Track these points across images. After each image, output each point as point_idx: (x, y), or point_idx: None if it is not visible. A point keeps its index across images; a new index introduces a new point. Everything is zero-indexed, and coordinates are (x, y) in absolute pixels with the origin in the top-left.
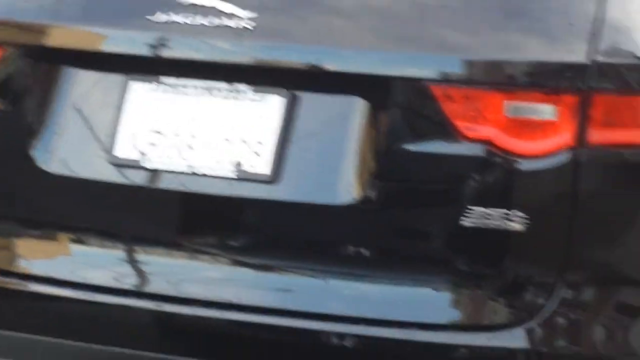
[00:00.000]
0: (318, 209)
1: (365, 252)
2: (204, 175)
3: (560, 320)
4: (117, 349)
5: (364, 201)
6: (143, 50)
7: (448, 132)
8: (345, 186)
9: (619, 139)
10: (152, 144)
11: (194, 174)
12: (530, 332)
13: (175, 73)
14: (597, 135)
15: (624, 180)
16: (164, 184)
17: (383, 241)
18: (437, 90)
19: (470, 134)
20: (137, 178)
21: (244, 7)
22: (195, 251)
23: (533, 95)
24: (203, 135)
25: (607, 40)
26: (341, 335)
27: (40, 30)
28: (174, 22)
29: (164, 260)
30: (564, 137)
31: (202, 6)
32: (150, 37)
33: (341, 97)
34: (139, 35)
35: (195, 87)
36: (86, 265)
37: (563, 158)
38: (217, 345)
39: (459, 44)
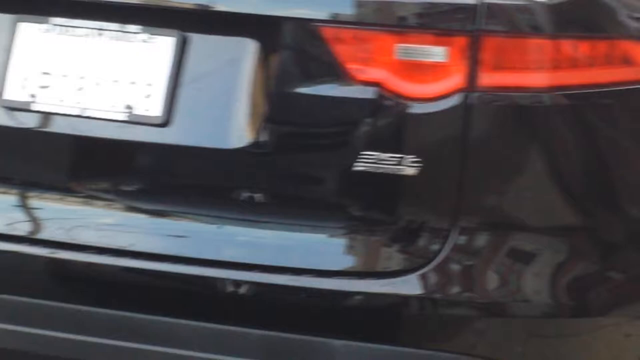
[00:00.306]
0: (211, 153)
1: (258, 197)
2: (95, 118)
3: (454, 266)
4: (9, 297)
5: (257, 145)
6: None
7: (339, 74)
8: (238, 130)
9: (509, 82)
10: (43, 87)
11: (85, 117)
12: (424, 279)
13: (65, 14)
14: (487, 78)
15: (514, 123)
16: (55, 127)
17: (276, 186)
18: (328, 32)
19: (360, 76)
20: (28, 121)
21: None
22: (88, 197)
23: (423, 37)
24: (94, 77)
25: None
26: (236, 282)
27: None
28: None
29: (56, 206)
30: (455, 79)
31: None
32: None
33: (232, 39)
34: None
35: (86, 28)
36: None
37: (454, 101)
38: (112, 292)
39: None
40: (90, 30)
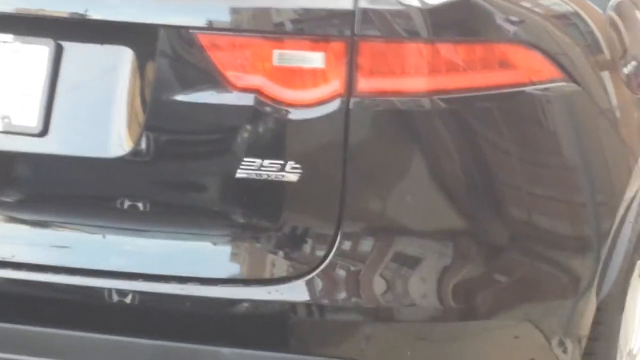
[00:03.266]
0: (90, 163)
1: (141, 206)
2: None
3: (341, 272)
4: None
5: (136, 154)
6: None
7: (217, 81)
8: (116, 139)
9: (387, 87)
10: None
11: None
12: (310, 285)
13: None
14: (366, 83)
15: (394, 128)
16: None
17: (158, 195)
18: (204, 39)
19: (238, 83)
20: None
21: None
22: None
23: (300, 42)
24: None
25: None
26: (120, 292)
27: None
28: None
29: None
30: (333, 85)
31: None
32: None
33: (108, 47)
34: None
35: None
36: None
37: (333, 107)
38: None
39: None
40: None
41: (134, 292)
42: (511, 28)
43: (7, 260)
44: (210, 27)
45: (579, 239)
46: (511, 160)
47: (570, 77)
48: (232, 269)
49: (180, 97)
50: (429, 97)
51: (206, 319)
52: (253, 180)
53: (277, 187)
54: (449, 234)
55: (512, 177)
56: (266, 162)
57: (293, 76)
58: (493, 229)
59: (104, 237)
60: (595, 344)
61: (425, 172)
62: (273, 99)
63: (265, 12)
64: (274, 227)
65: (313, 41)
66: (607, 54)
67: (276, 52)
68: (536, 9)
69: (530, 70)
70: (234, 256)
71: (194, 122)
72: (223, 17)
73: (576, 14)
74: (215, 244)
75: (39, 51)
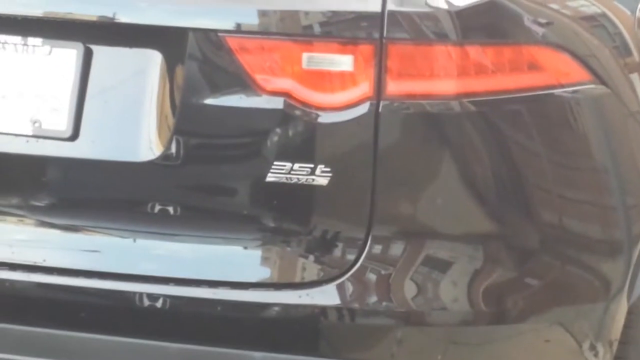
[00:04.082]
0: (120, 167)
1: (171, 210)
2: (2, 133)
3: (372, 276)
4: None
5: (166, 158)
6: None
7: (246, 84)
8: (146, 143)
9: (416, 90)
10: None
11: None
12: (341, 289)
13: None
14: (395, 86)
15: (424, 131)
16: None
17: (188, 199)
18: (233, 42)
19: (268, 86)
20: None
21: None
22: None
23: (329, 45)
24: None
25: None
26: (151, 296)
27: None
28: None
29: None
30: (362, 88)
31: None
32: None
33: (138, 51)
34: None
35: None
36: None
37: (362, 110)
38: (25, 308)
39: None
40: None
41: (165, 297)
42: (539, 30)
43: (38, 264)
44: (239, 30)
45: (609, 242)
46: (541, 163)
47: (599, 79)
48: (263, 273)
49: (209, 101)
50: (458, 100)
51: (237, 323)
52: (283, 184)
53: (307, 191)
54: (480, 237)
55: (542, 180)
56: (296, 165)
57: (322, 79)
58: (524, 232)
59: (134, 241)
60: (626, 347)
61: (455, 175)
62: (302, 102)
63: (294, 15)
64: (305, 231)
65: (342, 44)
66: (636, 55)
67: (305, 55)
68: (564, 11)
69: (559, 73)
70: (264, 260)
71: (224, 125)
72: (252, 20)
73: (604, 16)
74: (246, 248)
75: (69, 55)
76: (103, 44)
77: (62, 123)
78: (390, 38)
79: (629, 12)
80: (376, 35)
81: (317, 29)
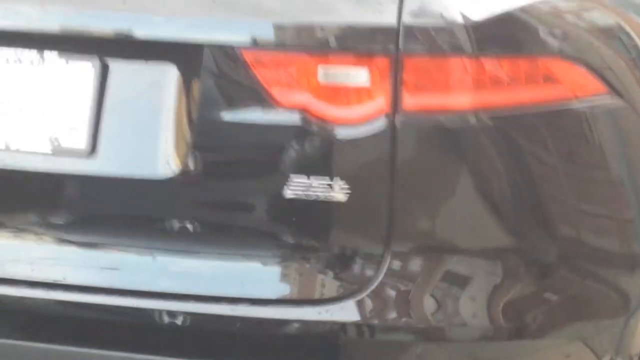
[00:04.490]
0: (138, 183)
1: (190, 226)
2: (18, 150)
3: (391, 291)
4: None
5: (184, 173)
6: None
7: (262, 99)
8: (164, 158)
9: (433, 103)
10: None
11: (8, 149)
12: (360, 305)
13: None
14: (411, 100)
15: (441, 145)
16: None
17: (207, 215)
18: (249, 56)
19: (284, 100)
20: None
21: None
22: (17, 230)
23: (345, 59)
24: (14, 107)
25: (415, 2)
26: (171, 313)
27: None
28: None
29: None
30: (378, 102)
31: None
32: None
33: (154, 65)
34: None
35: (3, 57)
36: None
37: (379, 124)
38: (45, 326)
39: (269, 8)
40: (7, 59)
41: (185, 313)
42: (555, 42)
43: (58, 282)
44: (255, 45)
45: (628, 256)
46: (558, 176)
47: (615, 91)
48: (282, 290)
49: (226, 115)
50: (475, 113)
51: (256, 339)
52: (301, 199)
53: (325, 207)
54: (498, 252)
55: (559, 193)
56: (314, 181)
57: (338, 93)
58: (542, 246)
59: (153, 258)
60: None
61: (473, 189)
62: (319, 117)
63: (309, 28)
64: (324, 247)
65: (358, 57)
66: None
67: (321, 69)
68: (580, 23)
69: (575, 85)
70: (283, 276)
71: (241, 140)
72: (268, 34)
73: (620, 28)
74: (265, 264)
75: (85, 70)
76: (119, 59)
77: (80, 140)
78: (406, 51)
79: None
80: (392, 48)
81: (333, 43)
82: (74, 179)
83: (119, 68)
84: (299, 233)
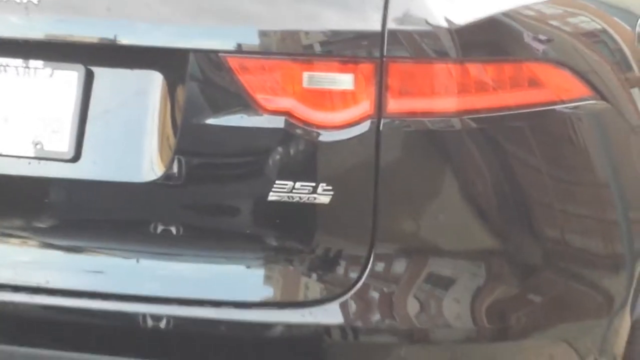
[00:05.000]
0: (122, 187)
1: (174, 230)
2: (3, 155)
3: (375, 294)
4: None
5: (168, 178)
6: None
7: (247, 104)
8: (148, 163)
9: (417, 108)
10: None
11: None
12: (344, 307)
13: None
14: (396, 104)
15: (425, 149)
16: None
17: (191, 219)
18: (234, 62)
19: (269, 106)
20: None
21: None
22: (1, 235)
23: (330, 64)
24: (0, 113)
25: (399, 7)
26: (155, 316)
27: None
28: None
29: None
30: (363, 106)
31: None
32: None
33: (138, 72)
34: None
35: None
36: None
37: (363, 128)
38: (28, 330)
39: (253, 14)
40: None
41: (169, 317)
42: (540, 47)
43: (41, 286)
44: (240, 51)
45: (612, 257)
46: (543, 179)
47: (600, 94)
48: (266, 292)
49: (210, 121)
50: (459, 117)
51: (241, 342)
52: (285, 202)
53: (309, 210)
54: (482, 253)
55: (544, 195)
56: (298, 184)
57: (323, 98)
58: (526, 248)
59: (137, 261)
60: None
61: (457, 192)
62: (303, 121)
63: (294, 34)
64: (307, 249)
65: (342, 63)
66: (636, 70)
67: (306, 74)
68: (564, 27)
69: (559, 89)
70: (267, 279)
71: (225, 145)
72: (252, 40)
73: (605, 32)
74: (248, 267)
75: (70, 77)
76: (104, 66)
77: (64, 144)
78: (391, 56)
79: (629, 28)
80: (376, 53)
81: (317, 48)
82: (58, 183)
83: (104, 75)
84: (283, 236)
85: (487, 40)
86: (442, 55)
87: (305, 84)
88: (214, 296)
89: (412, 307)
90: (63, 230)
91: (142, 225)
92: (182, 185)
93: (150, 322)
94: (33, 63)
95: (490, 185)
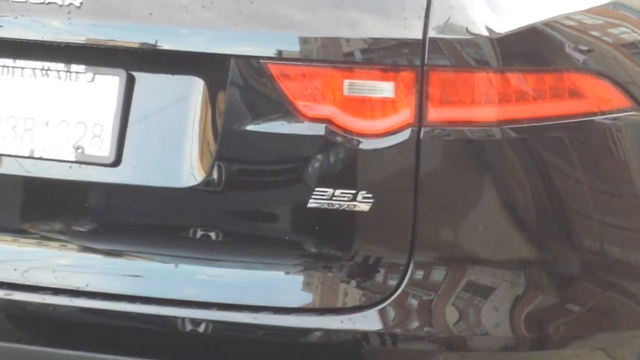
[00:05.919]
0: (162, 193)
1: (213, 235)
2: (45, 159)
3: (413, 301)
4: None
5: (208, 184)
6: None
7: (287, 111)
8: (188, 169)
9: (457, 116)
10: None
11: (34, 157)
12: (383, 314)
13: (9, 54)
14: (436, 113)
15: (465, 157)
16: (5, 168)
17: (230, 225)
18: (275, 69)
19: (309, 113)
20: None
21: None
22: (42, 238)
23: (370, 72)
24: (41, 118)
25: (440, 16)
26: (194, 321)
27: None
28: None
29: (11, 247)
30: (403, 115)
31: None
32: None
33: (179, 77)
34: None
35: (30, 68)
36: None
37: (403, 136)
38: (69, 332)
39: (295, 21)
40: (35, 70)
41: (207, 321)
42: (580, 57)
43: (81, 289)
44: (281, 57)
45: None
46: (582, 190)
47: None
48: (305, 298)
49: (251, 127)
50: (499, 127)
51: (279, 348)
52: (325, 210)
53: (348, 217)
54: (521, 263)
55: (583, 206)
56: (338, 192)
57: (363, 106)
58: (565, 258)
59: (176, 266)
60: None
61: (496, 201)
62: (344, 129)
63: (335, 41)
64: (346, 256)
65: (383, 71)
66: None
67: (346, 82)
68: (605, 38)
69: (599, 100)
70: (306, 285)
71: (265, 151)
72: (293, 47)
73: None
74: (287, 273)
75: (111, 82)
76: (145, 71)
77: (104, 149)
78: (432, 65)
79: None
80: (417, 62)
81: (358, 56)
82: (98, 187)
83: (145, 80)
84: (322, 242)
85: (528, 50)
86: (483, 64)
87: (345, 92)
88: (252, 301)
89: (451, 315)
90: (103, 234)
91: (181, 231)
92: (222, 191)
93: (189, 327)
94: (75, 67)
95: (530, 195)
